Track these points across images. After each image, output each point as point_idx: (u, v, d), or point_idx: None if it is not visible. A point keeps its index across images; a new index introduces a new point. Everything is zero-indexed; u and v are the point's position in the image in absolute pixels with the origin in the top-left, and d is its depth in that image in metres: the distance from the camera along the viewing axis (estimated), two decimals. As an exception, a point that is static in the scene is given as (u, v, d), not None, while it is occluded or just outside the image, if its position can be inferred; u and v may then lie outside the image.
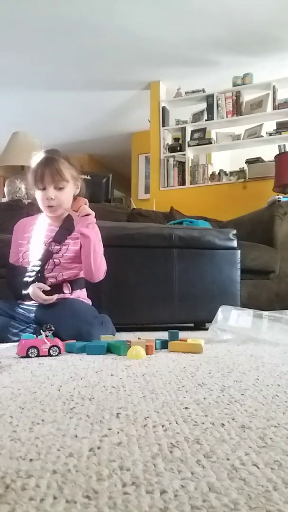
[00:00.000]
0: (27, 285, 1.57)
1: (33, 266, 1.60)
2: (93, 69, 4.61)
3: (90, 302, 1.68)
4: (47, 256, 1.61)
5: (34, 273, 1.58)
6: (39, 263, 1.60)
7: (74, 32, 3.95)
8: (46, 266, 1.60)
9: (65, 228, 1.66)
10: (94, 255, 1.57)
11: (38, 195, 1.61)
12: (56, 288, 1.59)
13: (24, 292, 1.57)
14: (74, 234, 1.65)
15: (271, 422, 0.55)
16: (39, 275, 1.58)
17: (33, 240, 1.66)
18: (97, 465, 0.41)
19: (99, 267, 1.59)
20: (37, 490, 0.35)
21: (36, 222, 1.72)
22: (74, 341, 1.31)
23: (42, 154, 1.62)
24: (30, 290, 1.55)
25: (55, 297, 1.53)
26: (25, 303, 1.59)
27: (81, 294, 1.67)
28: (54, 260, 1.62)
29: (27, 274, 1.59)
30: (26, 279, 1.59)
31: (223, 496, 0.34)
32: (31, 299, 1.57)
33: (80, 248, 1.64)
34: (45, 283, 1.57)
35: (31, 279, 1.58)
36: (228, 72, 4.49)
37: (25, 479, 0.37)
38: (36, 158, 1.62)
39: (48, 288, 1.55)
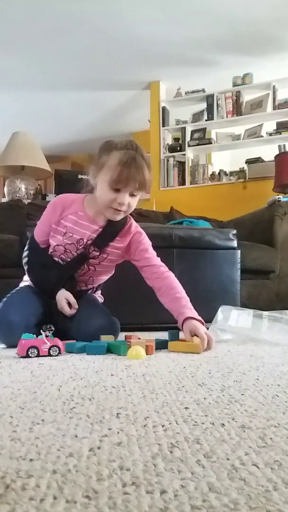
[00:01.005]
0: (59, 281, 1.47)
1: (66, 268, 1.48)
2: (93, 69, 4.61)
3: (102, 299, 1.67)
4: (83, 259, 1.49)
5: (64, 275, 1.48)
6: (73, 265, 1.48)
7: (74, 32, 3.95)
8: (79, 271, 1.50)
9: (109, 232, 1.50)
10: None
11: (108, 193, 1.38)
12: (82, 292, 1.53)
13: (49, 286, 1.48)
14: (117, 240, 1.51)
15: (271, 422, 0.55)
16: (70, 278, 1.49)
17: (71, 236, 1.48)
18: (97, 465, 0.41)
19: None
20: (37, 490, 0.35)
21: (77, 210, 1.50)
22: (74, 341, 1.32)
23: (126, 148, 1.37)
24: (57, 296, 1.45)
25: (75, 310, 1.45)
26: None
27: (98, 292, 1.65)
28: (90, 266, 1.51)
29: (57, 271, 1.49)
30: (55, 274, 1.48)
31: (223, 496, 0.34)
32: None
33: (118, 258, 1.54)
34: (75, 288, 1.49)
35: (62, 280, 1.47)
36: (228, 72, 4.49)
37: (25, 479, 0.37)
38: (115, 146, 1.38)
39: (74, 302, 1.45)
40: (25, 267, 1.56)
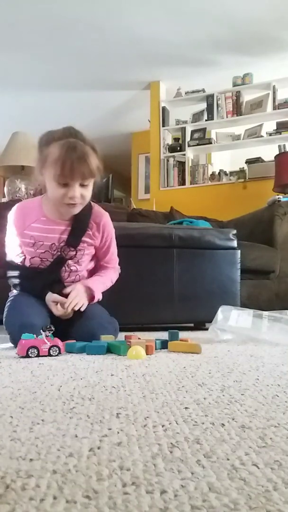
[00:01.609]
0: (44, 288, 1.45)
1: (46, 274, 1.45)
2: (93, 69, 4.61)
3: None
4: (61, 262, 1.44)
5: (47, 280, 1.45)
6: (53, 270, 1.44)
7: (74, 32, 3.95)
8: (62, 274, 1.46)
9: (78, 228, 1.44)
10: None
11: (57, 190, 1.32)
12: None
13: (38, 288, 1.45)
14: (88, 235, 1.46)
15: (271, 422, 0.55)
16: (57, 282, 1.45)
17: (41, 244, 1.44)
18: (97, 465, 0.41)
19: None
20: (37, 490, 0.35)
21: (38, 216, 1.44)
22: (74, 341, 1.32)
23: (65, 137, 1.30)
24: (46, 301, 1.43)
25: (71, 313, 1.41)
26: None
27: None
28: (71, 267, 1.46)
29: (39, 279, 1.46)
30: (40, 279, 1.45)
31: (223, 496, 0.34)
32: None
33: (95, 251, 1.52)
34: (63, 289, 1.45)
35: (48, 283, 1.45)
36: (228, 72, 4.49)
37: (25, 479, 0.37)
38: (52, 137, 1.32)
39: (62, 299, 1.41)
40: (11, 285, 1.54)
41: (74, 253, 1.45)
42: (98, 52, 4.28)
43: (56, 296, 1.42)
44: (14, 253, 1.50)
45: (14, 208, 1.49)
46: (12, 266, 1.52)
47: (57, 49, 4.23)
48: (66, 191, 1.31)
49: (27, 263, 1.49)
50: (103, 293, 1.68)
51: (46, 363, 1.04)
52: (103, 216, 1.51)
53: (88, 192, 1.36)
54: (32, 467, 0.40)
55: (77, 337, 1.35)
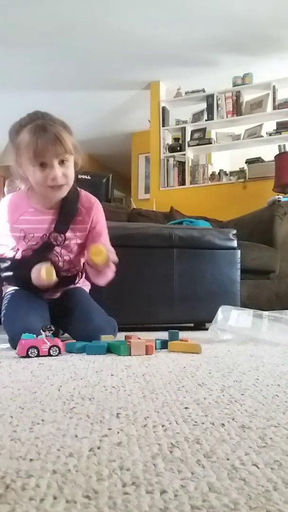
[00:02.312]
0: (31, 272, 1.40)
1: (34, 259, 1.40)
2: (93, 69, 4.61)
3: (89, 286, 1.64)
4: (48, 248, 1.41)
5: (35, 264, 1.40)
6: (40, 256, 1.40)
7: (74, 32, 3.95)
8: (56, 263, 1.43)
9: (66, 213, 1.41)
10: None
11: (37, 173, 1.28)
12: (68, 279, 1.49)
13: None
14: (78, 219, 1.42)
15: (271, 422, 0.55)
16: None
17: (32, 236, 1.41)
18: (97, 465, 0.41)
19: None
20: (37, 490, 0.35)
21: (26, 208, 1.42)
22: (74, 341, 1.32)
23: (32, 121, 1.31)
24: (32, 278, 1.37)
25: (53, 280, 1.35)
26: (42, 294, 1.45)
27: (82, 279, 1.63)
28: (64, 257, 1.45)
29: (29, 263, 1.41)
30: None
31: (223, 496, 0.34)
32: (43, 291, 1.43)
33: (87, 236, 1.46)
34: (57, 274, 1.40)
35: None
36: (228, 72, 4.50)
37: (25, 479, 0.37)
38: (20, 125, 1.31)
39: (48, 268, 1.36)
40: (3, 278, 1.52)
41: (62, 239, 1.42)
42: (98, 52, 4.28)
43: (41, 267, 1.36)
44: (9, 245, 1.47)
45: (3, 203, 1.45)
46: (3, 259, 1.50)
47: (57, 49, 4.23)
48: (47, 173, 1.28)
49: (19, 256, 1.45)
50: (102, 292, 1.68)
51: (46, 363, 1.04)
52: (91, 200, 1.48)
53: (70, 171, 1.32)
54: (32, 467, 0.40)
55: (76, 338, 1.35)
